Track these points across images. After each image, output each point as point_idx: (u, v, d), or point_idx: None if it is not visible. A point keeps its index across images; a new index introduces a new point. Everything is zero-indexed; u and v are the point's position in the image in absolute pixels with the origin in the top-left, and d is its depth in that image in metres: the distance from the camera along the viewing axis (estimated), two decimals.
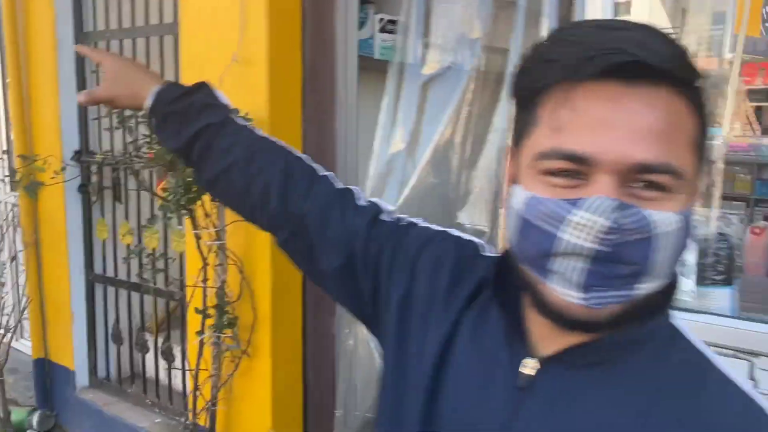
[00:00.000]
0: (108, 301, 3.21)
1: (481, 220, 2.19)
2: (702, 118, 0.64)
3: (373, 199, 0.94)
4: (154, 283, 2.89)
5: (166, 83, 1.05)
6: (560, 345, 0.67)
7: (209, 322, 2.33)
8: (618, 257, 0.60)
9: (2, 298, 3.32)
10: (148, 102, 1.03)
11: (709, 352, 0.69)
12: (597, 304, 0.62)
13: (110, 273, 3.16)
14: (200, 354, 2.40)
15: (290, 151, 0.99)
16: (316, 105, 2.41)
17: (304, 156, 0.99)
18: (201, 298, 2.37)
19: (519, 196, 0.65)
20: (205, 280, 2.33)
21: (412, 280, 0.83)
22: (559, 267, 0.61)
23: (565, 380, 0.67)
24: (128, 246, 2.92)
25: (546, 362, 0.69)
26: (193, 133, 1.00)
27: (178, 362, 2.88)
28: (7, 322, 3.24)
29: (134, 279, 2.99)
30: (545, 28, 2.03)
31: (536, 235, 0.63)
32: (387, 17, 2.74)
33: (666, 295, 0.68)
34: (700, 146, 0.64)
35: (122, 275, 3.09)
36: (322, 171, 0.97)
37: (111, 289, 3.18)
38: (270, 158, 0.97)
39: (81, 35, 3.06)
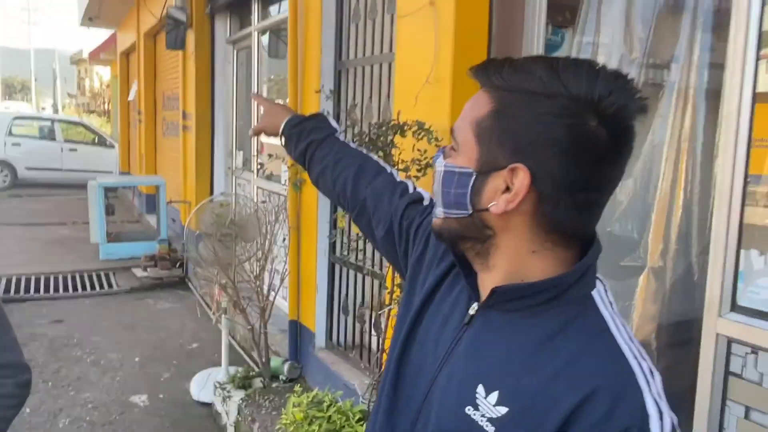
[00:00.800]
0: (342, 279, 3.91)
1: (631, 228, 2.29)
2: (498, 112, 0.85)
3: (419, 189, 1.29)
4: (372, 266, 3.49)
5: (293, 115, 1.51)
6: (486, 292, 0.92)
7: (395, 295, 2.81)
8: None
9: (273, 268, 4.24)
10: (280, 129, 1.50)
11: (612, 323, 0.86)
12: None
13: (346, 257, 3.85)
14: (387, 324, 2.89)
15: (368, 157, 1.39)
16: None
17: (378, 160, 1.39)
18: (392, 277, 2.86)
19: None
20: None
21: (425, 247, 1.16)
22: None
23: (491, 320, 0.92)
24: (357, 234, 3.57)
25: (482, 306, 0.94)
26: (303, 147, 1.45)
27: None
28: (272, 285, 4.14)
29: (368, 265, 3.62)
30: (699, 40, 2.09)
31: None
32: (587, 40, 2.93)
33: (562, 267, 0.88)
34: (482, 131, 0.86)
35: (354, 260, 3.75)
36: (388, 169, 1.36)
37: (344, 269, 3.87)
38: (349, 162, 1.37)
39: (339, 63, 3.82)
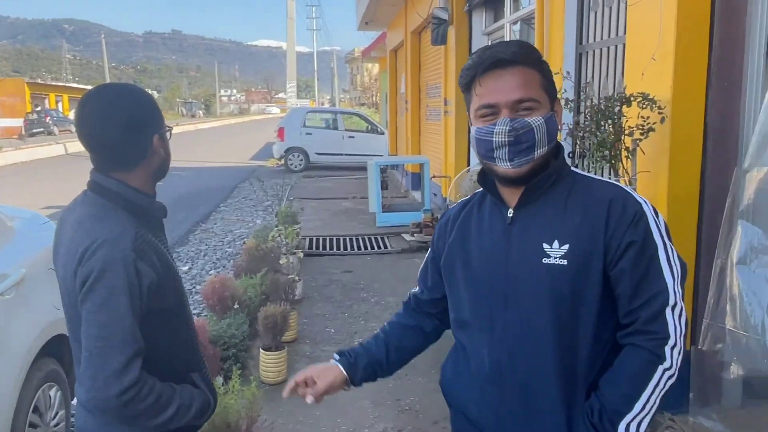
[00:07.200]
0: None
1: None
2: (544, 75, 1.37)
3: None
4: None
5: (343, 371, 1.61)
6: (516, 197, 1.41)
7: None
8: (519, 140, 1.34)
9: None
10: (345, 379, 1.60)
11: (594, 176, 1.43)
12: (518, 165, 1.36)
13: None
14: None
15: (403, 315, 1.74)
16: (722, 89, 3.02)
17: (407, 308, 1.74)
18: None
19: (473, 130, 1.41)
20: None
21: (436, 254, 1.60)
22: (497, 154, 1.37)
23: (525, 212, 1.41)
24: None
25: (515, 209, 1.42)
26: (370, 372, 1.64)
27: None
28: None
29: None
30: None
31: (484, 142, 1.38)
32: None
33: (555, 156, 1.40)
34: (546, 88, 1.37)
35: None
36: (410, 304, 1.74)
37: None
38: (406, 327, 1.71)
39: (579, 47, 4.28)
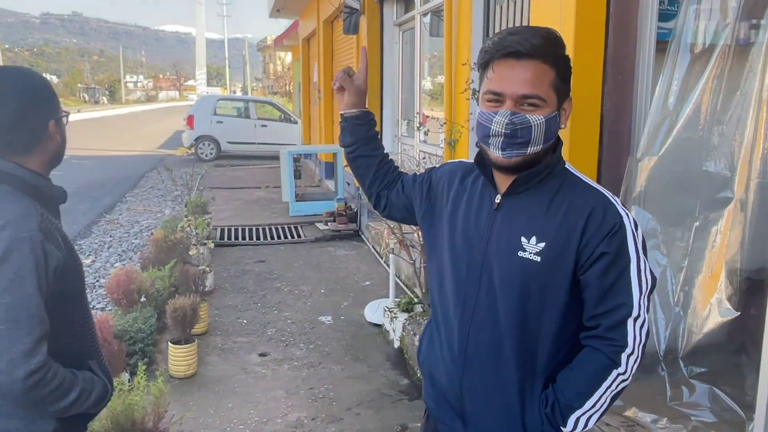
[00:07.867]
0: None
1: (724, 167, 2.66)
2: (559, 73, 1.33)
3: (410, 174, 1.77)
4: None
5: (363, 111, 1.76)
6: (506, 185, 1.42)
7: None
8: (515, 134, 1.33)
9: None
10: (354, 112, 1.74)
11: (584, 177, 1.41)
12: (508, 156, 1.36)
13: None
14: None
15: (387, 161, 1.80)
16: (617, 82, 3.16)
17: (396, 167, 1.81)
18: None
19: (477, 112, 1.42)
20: None
21: (429, 196, 1.62)
22: (492, 141, 1.37)
23: (512, 201, 1.42)
24: None
25: (503, 195, 1.43)
26: (354, 140, 1.77)
27: None
28: None
29: None
30: None
31: (483, 127, 1.37)
32: (704, 7, 3.23)
33: (552, 153, 1.39)
34: (557, 86, 1.34)
35: None
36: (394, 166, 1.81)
37: None
38: (384, 167, 1.79)
39: (486, 39, 4.37)
